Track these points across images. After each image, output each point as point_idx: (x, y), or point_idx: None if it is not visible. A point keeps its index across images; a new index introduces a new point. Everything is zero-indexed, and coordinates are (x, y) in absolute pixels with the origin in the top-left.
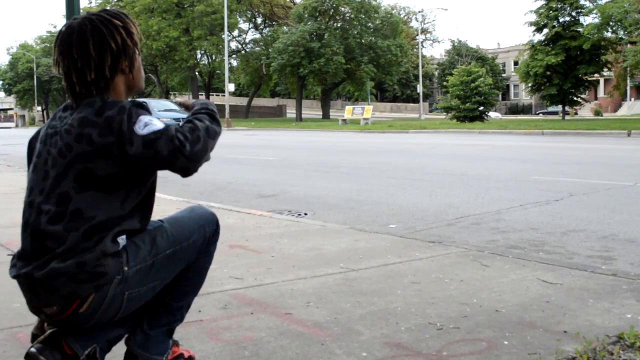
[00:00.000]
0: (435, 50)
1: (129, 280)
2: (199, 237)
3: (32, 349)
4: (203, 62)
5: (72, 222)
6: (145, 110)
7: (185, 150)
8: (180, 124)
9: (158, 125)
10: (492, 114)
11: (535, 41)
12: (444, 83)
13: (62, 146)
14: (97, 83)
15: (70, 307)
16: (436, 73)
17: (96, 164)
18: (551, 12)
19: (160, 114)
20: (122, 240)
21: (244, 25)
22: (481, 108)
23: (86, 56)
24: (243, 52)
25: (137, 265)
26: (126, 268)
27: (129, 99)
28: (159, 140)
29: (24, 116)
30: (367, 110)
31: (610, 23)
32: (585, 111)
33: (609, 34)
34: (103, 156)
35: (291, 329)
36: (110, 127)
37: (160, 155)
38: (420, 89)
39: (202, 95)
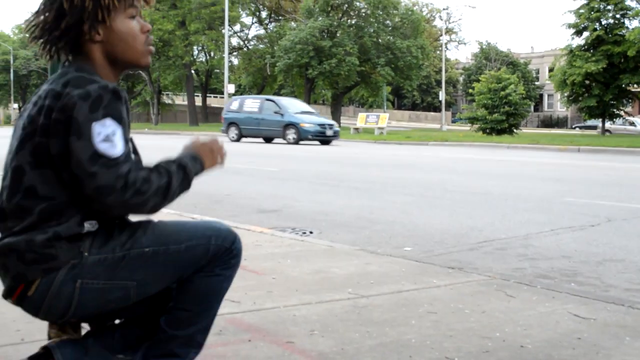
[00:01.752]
0: (460, 53)
1: (87, 268)
2: (199, 247)
3: None
4: (200, 59)
5: (26, 200)
6: (119, 102)
7: (123, 196)
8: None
9: (118, 147)
10: None
11: (574, 46)
12: (470, 90)
13: (26, 119)
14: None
15: (17, 289)
16: (461, 79)
17: (50, 140)
18: (593, 13)
19: (298, 118)
20: (89, 224)
21: (247, 20)
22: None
23: None
24: (245, 49)
25: (101, 254)
26: (86, 254)
27: (107, 81)
28: (106, 166)
29: None
30: (383, 119)
31: None
32: None
33: None
34: (55, 134)
35: (293, 359)
36: (65, 106)
37: (95, 180)
38: (442, 96)
39: (198, 96)
